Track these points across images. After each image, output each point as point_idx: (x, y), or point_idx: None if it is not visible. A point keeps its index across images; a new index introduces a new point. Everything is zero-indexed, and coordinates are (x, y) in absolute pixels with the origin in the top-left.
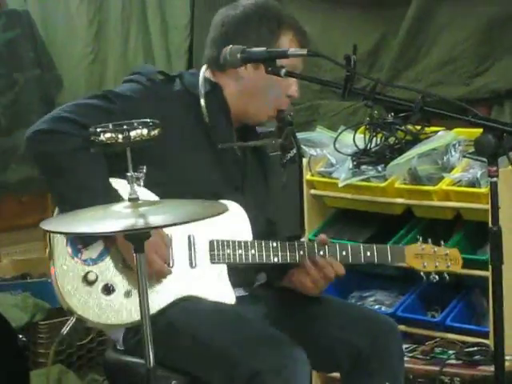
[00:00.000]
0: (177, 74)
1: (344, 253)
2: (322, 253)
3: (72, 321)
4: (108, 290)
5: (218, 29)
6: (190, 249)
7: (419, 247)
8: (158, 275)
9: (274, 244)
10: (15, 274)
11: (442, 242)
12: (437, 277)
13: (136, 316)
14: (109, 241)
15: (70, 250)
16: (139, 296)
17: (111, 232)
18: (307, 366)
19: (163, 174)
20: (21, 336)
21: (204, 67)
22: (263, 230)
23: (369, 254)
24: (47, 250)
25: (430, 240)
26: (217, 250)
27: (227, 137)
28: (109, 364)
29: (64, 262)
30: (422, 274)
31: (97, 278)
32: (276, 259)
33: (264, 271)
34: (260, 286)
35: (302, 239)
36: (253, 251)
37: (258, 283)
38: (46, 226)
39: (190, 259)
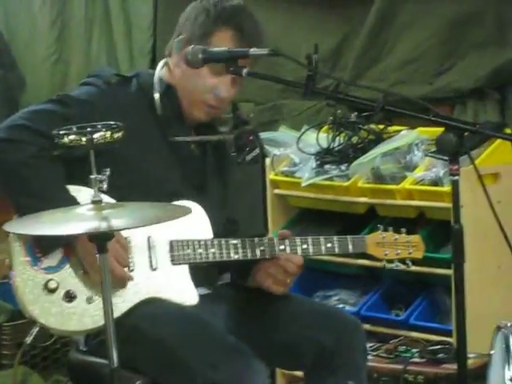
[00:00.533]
0: (133, 74)
1: (305, 246)
2: (282, 247)
3: (35, 329)
4: (70, 297)
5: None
6: (149, 251)
7: (380, 236)
8: (120, 281)
9: (234, 241)
10: None
11: (404, 230)
12: (401, 265)
13: (100, 321)
14: (68, 248)
15: (29, 258)
16: (102, 296)
17: (74, 234)
18: (265, 378)
19: (122, 177)
20: None
21: (161, 63)
22: (224, 229)
23: (329, 245)
24: (6, 260)
25: (390, 228)
26: (177, 251)
27: (183, 135)
28: (72, 365)
29: (24, 271)
30: (384, 262)
31: (58, 285)
32: (236, 256)
33: (228, 271)
34: (223, 285)
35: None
36: (213, 250)
37: (222, 282)
38: (9, 228)
39: (151, 261)
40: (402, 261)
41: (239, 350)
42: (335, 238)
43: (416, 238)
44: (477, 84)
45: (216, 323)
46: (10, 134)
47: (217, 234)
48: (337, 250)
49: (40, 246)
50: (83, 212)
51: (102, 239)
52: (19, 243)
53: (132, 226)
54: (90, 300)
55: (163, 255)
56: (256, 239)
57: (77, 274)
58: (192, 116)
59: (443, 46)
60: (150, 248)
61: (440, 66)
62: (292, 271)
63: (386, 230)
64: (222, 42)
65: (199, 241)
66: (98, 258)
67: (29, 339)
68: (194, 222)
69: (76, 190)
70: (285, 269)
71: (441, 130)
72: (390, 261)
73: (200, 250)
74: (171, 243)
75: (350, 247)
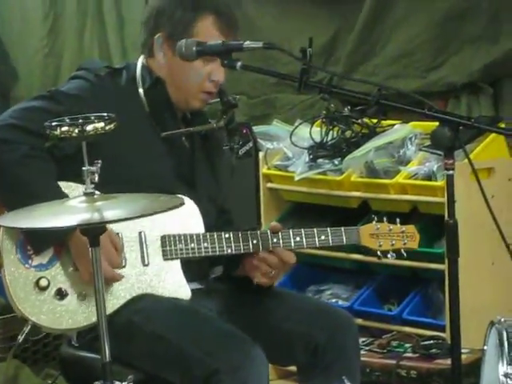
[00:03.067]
0: (123, 66)
1: (298, 238)
2: (275, 240)
3: (27, 328)
4: (61, 294)
5: (146, 14)
6: (141, 246)
7: (374, 227)
8: (110, 282)
9: (227, 235)
10: None
11: (398, 220)
12: (394, 255)
13: (92, 318)
14: (58, 245)
15: (19, 256)
16: (95, 290)
17: (66, 226)
18: (265, 364)
19: (112, 171)
20: None
21: (139, 62)
22: (216, 221)
23: (323, 237)
24: None
25: (385, 218)
26: (169, 246)
27: (172, 128)
28: (63, 359)
29: (15, 270)
30: (378, 253)
31: (49, 283)
32: (229, 250)
33: (220, 264)
34: (216, 279)
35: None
36: (205, 244)
37: (214, 276)
38: (2, 221)
39: (143, 257)
40: (397, 252)
41: (238, 336)
42: (329, 229)
43: (411, 228)
44: (470, 78)
45: (210, 314)
46: (1, 134)
47: (210, 226)
48: (331, 241)
49: (32, 244)
50: (75, 204)
51: (94, 232)
52: (9, 241)
53: (125, 218)
54: (81, 297)
55: (155, 250)
56: (249, 232)
57: (68, 272)
58: (186, 106)
59: (436, 41)
60: (141, 243)
61: (433, 61)
62: (275, 265)
63: (380, 220)
64: (206, 30)
65: (191, 235)
66: (90, 251)
67: (21, 337)
68: (186, 217)
69: (67, 187)
70: (267, 262)
71: (434, 124)
72: (385, 252)
73: (192, 245)
74: (163, 238)
75: (344, 239)
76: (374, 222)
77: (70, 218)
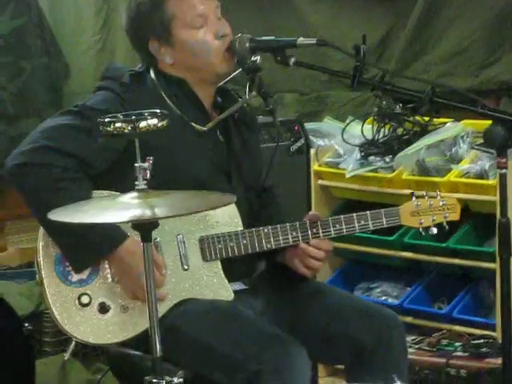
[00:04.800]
0: (145, 69)
1: (337, 226)
2: (314, 230)
3: (73, 344)
4: (104, 308)
5: (128, 36)
6: (180, 250)
7: (414, 204)
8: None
9: (266, 230)
10: (21, 263)
11: (438, 192)
12: (435, 230)
13: (138, 328)
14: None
15: (59, 273)
16: (146, 289)
17: (118, 222)
18: (307, 364)
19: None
20: (26, 325)
21: (152, 74)
22: (255, 208)
23: (363, 222)
24: (37, 277)
25: (425, 193)
26: (208, 247)
27: (205, 122)
28: (111, 356)
29: (56, 287)
30: (420, 230)
31: (90, 299)
32: (269, 245)
33: (263, 257)
34: (260, 277)
35: None
36: (244, 241)
37: (258, 272)
38: (52, 216)
39: (182, 261)
40: (439, 225)
41: (280, 337)
42: (368, 213)
43: (451, 200)
44: None
45: (252, 315)
46: (32, 158)
47: (249, 216)
48: (371, 225)
49: (72, 264)
50: (127, 200)
51: (146, 228)
52: (48, 258)
53: (178, 214)
54: (123, 309)
55: (194, 253)
56: (288, 224)
57: (108, 284)
58: (218, 78)
59: (489, 39)
60: (179, 247)
61: (486, 59)
62: (319, 256)
63: (420, 196)
64: (180, 4)
65: (229, 234)
66: (142, 246)
67: (66, 355)
68: (223, 215)
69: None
70: (308, 253)
71: (486, 122)
72: (427, 227)
73: (231, 243)
74: (201, 239)
75: (384, 221)
76: (413, 199)
77: (122, 213)
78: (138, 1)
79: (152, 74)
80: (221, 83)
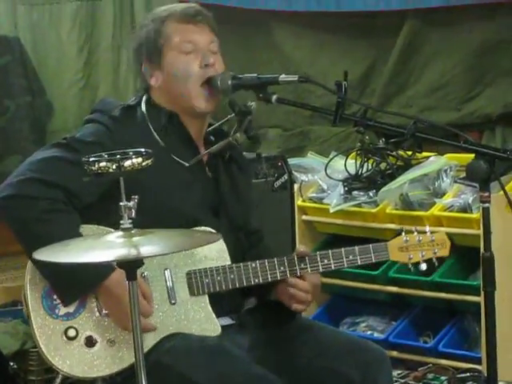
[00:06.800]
0: (137, 102)
1: (325, 261)
2: (302, 265)
3: (59, 378)
4: (91, 342)
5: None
6: (167, 284)
7: (403, 239)
8: (144, 332)
9: (253, 265)
10: (5, 301)
11: (427, 228)
12: (424, 266)
13: (125, 362)
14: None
15: (46, 306)
16: (132, 326)
17: (103, 261)
18: None
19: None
20: (12, 363)
21: (144, 100)
22: (243, 246)
23: (351, 257)
24: (24, 309)
25: (414, 228)
26: (195, 281)
27: (192, 157)
28: None
29: (42, 321)
30: (409, 266)
31: (77, 332)
32: (257, 280)
33: (252, 294)
34: (248, 312)
35: None
36: (232, 276)
37: (247, 307)
38: (37, 256)
39: (169, 295)
40: (429, 261)
41: (264, 379)
42: (356, 248)
43: (441, 235)
44: (505, 110)
45: (240, 353)
46: (20, 190)
47: (237, 255)
48: (359, 261)
49: (60, 297)
50: (112, 239)
51: (131, 266)
52: (35, 292)
53: (162, 253)
54: (110, 343)
55: (181, 287)
56: (276, 259)
57: (94, 318)
58: (194, 112)
59: (471, 73)
60: (167, 281)
61: (468, 93)
62: (307, 288)
63: (409, 231)
64: (173, 34)
65: (217, 268)
66: (127, 284)
67: None
68: (211, 250)
69: (89, 230)
70: (297, 287)
71: (470, 156)
72: (416, 263)
73: (219, 278)
74: (188, 274)
75: (373, 256)
76: (403, 234)
77: (107, 253)
78: (143, 22)
79: (143, 107)
80: (215, 124)
